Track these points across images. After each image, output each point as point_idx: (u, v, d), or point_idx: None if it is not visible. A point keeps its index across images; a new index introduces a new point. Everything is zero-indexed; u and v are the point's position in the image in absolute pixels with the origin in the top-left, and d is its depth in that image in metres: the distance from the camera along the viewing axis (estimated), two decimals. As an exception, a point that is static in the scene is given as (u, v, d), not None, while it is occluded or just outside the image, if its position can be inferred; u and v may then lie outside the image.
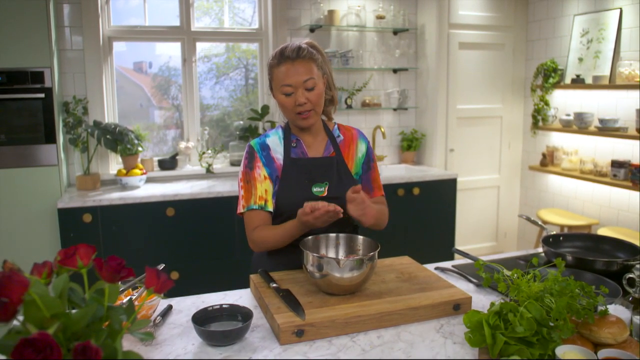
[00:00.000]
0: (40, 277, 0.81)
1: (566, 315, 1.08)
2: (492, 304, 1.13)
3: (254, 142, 1.70)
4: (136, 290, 1.39)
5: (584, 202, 4.03)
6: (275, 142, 1.69)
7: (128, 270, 0.83)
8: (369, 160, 1.76)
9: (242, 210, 1.64)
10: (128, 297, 1.33)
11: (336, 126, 1.77)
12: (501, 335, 1.05)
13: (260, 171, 1.64)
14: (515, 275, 1.21)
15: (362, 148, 1.75)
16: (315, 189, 1.64)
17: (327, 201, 1.44)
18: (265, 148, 1.68)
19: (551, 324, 1.08)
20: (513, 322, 1.06)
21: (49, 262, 0.84)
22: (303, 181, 1.64)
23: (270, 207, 1.64)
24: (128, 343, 1.19)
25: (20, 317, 0.72)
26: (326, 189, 1.65)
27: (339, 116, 4.06)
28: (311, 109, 1.60)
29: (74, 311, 0.75)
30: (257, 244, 1.63)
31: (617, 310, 1.21)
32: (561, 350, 1.05)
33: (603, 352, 1.05)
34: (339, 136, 1.74)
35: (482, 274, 1.31)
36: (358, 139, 1.76)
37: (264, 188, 1.64)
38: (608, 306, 1.18)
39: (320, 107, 1.64)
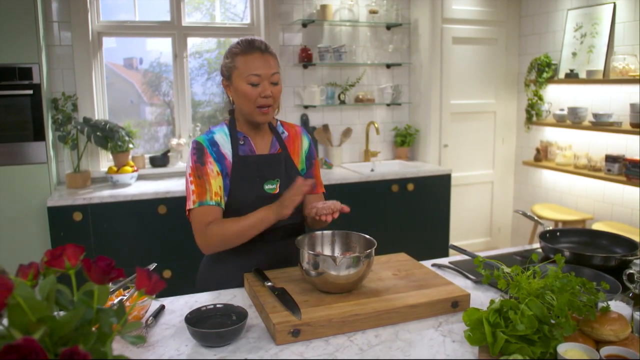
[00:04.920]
0: (26, 279, 0.78)
1: (567, 313, 1.07)
2: (492, 302, 1.11)
3: (200, 137, 1.62)
4: (127, 291, 1.36)
5: (577, 197, 4.03)
6: (222, 138, 1.63)
7: (118, 271, 0.80)
8: (311, 157, 1.76)
9: (192, 206, 1.54)
10: (119, 298, 1.30)
11: (279, 122, 1.76)
12: (502, 334, 1.03)
13: (213, 167, 1.58)
14: (515, 272, 1.20)
15: (305, 144, 1.76)
16: (267, 186, 1.62)
17: (277, 199, 1.52)
18: (214, 144, 1.61)
19: (552, 322, 1.06)
20: (514, 319, 1.04)
21: (35, 263, 0.80)
22: (254, 179, 1.61)
23: (224, 205, 1.58)
24: (119, 346, 1.16)
25: (5, 322, 0.68)
26: (277, 185, 1.63)
27: (332, 111, 4.04)
28: (272, 104, 1.59)
29: (61, 313, 0.72)
30: (211, 241, 1.52)
31: (618, 306, 1.20)
32: (563, 348, 1.03)
33: (605, 350, 1.03)
34: (283, 132, 1.73)
35: (482, 270, 1.29)
36: (302, 135, 1.77)
37: (218, 184, 1.57)
38: (608, 302, 1.16)
39: (278, 105, 1.63)
